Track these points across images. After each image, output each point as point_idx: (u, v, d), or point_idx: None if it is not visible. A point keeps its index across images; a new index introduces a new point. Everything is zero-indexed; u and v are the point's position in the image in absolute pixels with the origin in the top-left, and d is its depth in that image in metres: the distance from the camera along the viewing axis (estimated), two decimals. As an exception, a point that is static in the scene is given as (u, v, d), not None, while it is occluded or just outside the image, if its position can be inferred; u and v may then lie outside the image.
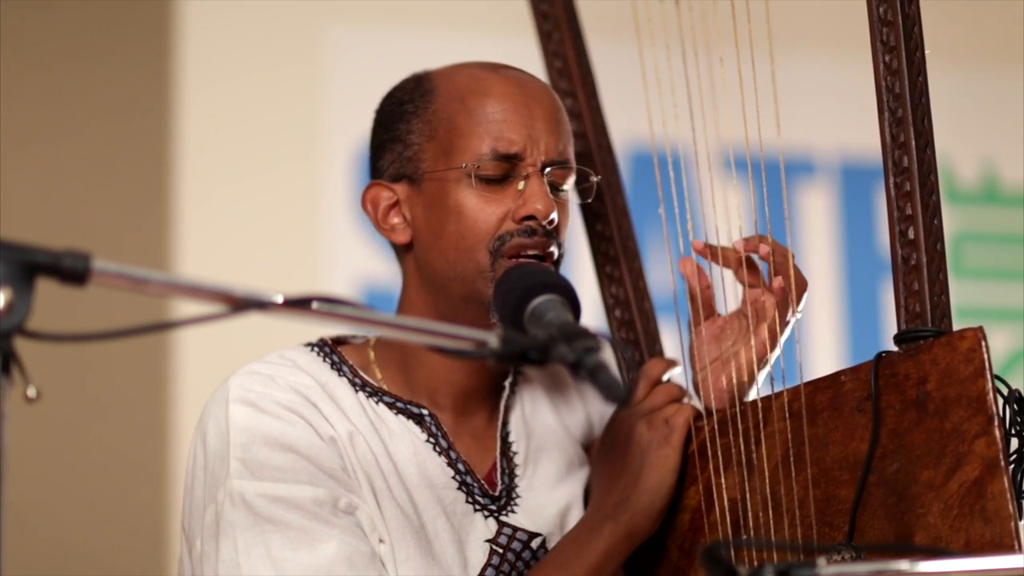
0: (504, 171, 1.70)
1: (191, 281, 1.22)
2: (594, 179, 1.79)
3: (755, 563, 1.62)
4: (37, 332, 1.14)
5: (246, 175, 3.45)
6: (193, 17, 3.42)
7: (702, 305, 1.75)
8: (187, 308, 2.84)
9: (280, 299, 1.23)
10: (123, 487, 3.31)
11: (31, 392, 1.12)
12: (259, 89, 3.47)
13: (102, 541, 3.29)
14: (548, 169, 1.71)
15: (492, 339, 1.31)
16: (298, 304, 1.23)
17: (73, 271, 1.14)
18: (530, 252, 1.69)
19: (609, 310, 1.90)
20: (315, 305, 1.24)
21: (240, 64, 3.46)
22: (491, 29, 3.39)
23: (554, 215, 1.69)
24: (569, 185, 1.75)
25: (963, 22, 3.97)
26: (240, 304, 1.21)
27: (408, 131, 1.74)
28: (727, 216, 1.72)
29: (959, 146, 3.91)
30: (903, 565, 1.25)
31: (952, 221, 3.88)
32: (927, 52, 1.64)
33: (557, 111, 1.75)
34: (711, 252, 1.74)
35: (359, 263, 3.40)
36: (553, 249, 1.70)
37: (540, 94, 1.74)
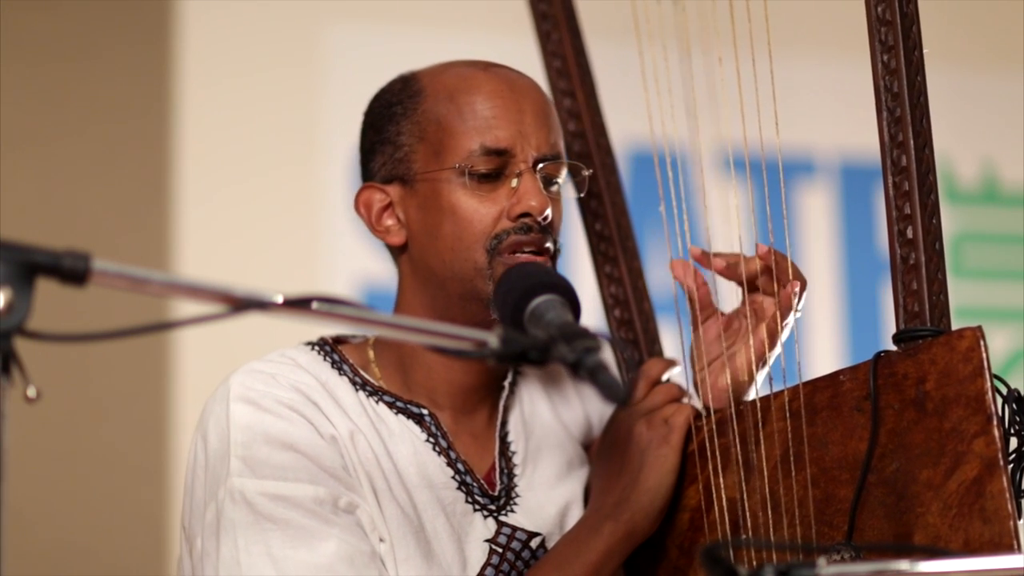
0: (496, 166, 1.70)
1: (191, 281, 1.22)
2: (586, 173, 1.79)
3: (755, 563, 1.62)
4: (37, 332, 1.14)
5: (246, 175, 3.45)
6: (193, 17, 3.42)
7: (700, 303, 1.76)
8: (187, 308, 2.83)
9: (280, 299, 1.23)
10: (123, 487, 3.31)
11: (31, 392, 1.12)
12: (259, 89, 3.47)
13: (102, 541, 3.29)
14: (541, 165, 1.71)
15: (492, 339, 1.31)
16: (298, 304, 1.24)
17: (73, 271, 1.14)
18: (527, 249, 1.69)
19: (608, 310, 1.90)
20: (315, 305, 1.24)
21: (240, 64, 3.46)
22: (491, 29, 3.39)
23: (548, 211, 1.69)
24: (562, 179, 1.75)
25: (963, 22, 3.96)
26: (240, 304, 1.22)
27: (398, 133, 1.74)
28: (726, 216, 1.72)
29: (959, 146, 3.91)
30: (903, 565, 1.25)
31: (952, 221, 3.88)
32: (927, 52, 1.64)
33: (546, 106, 1.75)
34: (707, 260, 1.74)
35: (359, 263, 3.40)
36: (549, 245, 1.70)
37: (528, 90, 1.74)
